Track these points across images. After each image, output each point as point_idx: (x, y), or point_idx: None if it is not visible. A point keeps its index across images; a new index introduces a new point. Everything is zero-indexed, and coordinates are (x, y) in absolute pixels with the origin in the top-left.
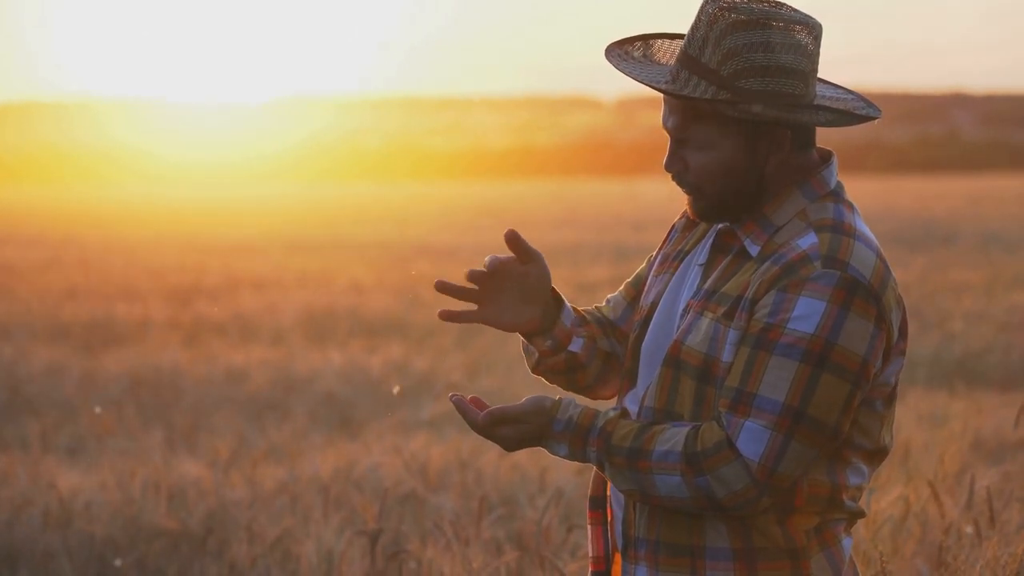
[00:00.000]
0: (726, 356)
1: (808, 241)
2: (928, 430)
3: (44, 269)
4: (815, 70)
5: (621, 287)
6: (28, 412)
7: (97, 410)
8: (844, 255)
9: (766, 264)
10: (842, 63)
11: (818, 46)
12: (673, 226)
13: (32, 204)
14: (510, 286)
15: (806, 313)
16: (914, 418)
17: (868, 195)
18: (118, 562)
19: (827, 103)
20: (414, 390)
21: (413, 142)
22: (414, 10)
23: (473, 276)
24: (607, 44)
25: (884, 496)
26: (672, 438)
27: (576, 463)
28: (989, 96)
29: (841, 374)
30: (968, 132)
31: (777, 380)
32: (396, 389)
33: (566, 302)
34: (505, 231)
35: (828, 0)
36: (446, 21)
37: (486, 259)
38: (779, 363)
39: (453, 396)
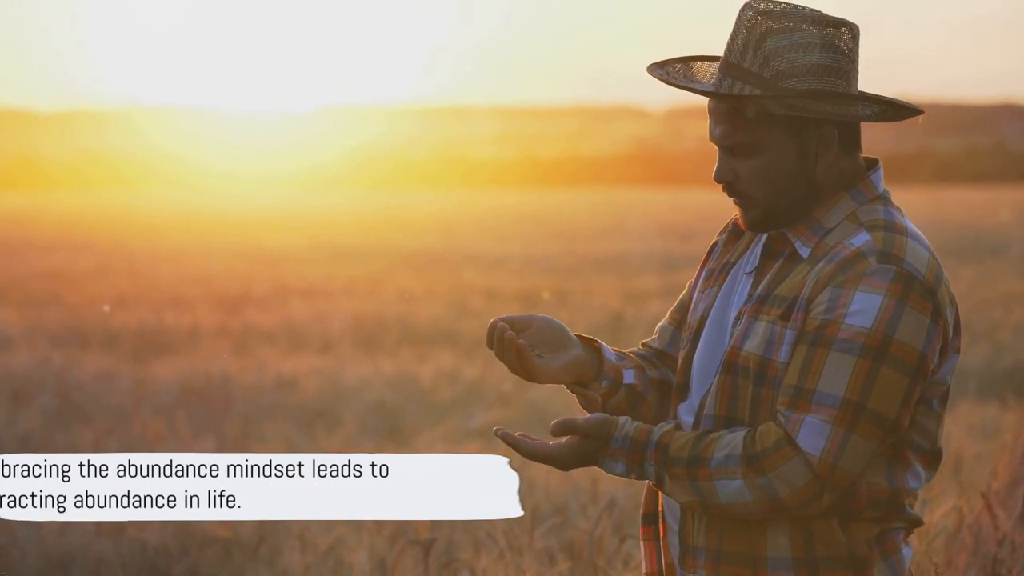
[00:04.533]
0: (783, 356)
1: (861, 239)
2: (980, 441)
3: (93, 277)
4: (856, 70)
5: (666, 315)
6: (79, 419)
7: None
8: (899, 251)
9: (820, 263)
10: (890, 67)
11: (857, 46)
12: (715, 243)
13: (80, 212)
14: (534, 341)
15: (863, 308)
16: (965, 430)
17: (916, 205)
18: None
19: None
20: (464, 399)
21: (461, 151)
22: (463, 20)
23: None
24: (648, 64)
25: (937, 508)
26: (730, 443)
27: None
28: None
29: (900, 368)
30: (1017, 142)
31: (836, 375)
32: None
33: (602, 343)
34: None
35: (879, 8)
36: (494, 31)
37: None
38: (837, 359)
39: (498, 431)
